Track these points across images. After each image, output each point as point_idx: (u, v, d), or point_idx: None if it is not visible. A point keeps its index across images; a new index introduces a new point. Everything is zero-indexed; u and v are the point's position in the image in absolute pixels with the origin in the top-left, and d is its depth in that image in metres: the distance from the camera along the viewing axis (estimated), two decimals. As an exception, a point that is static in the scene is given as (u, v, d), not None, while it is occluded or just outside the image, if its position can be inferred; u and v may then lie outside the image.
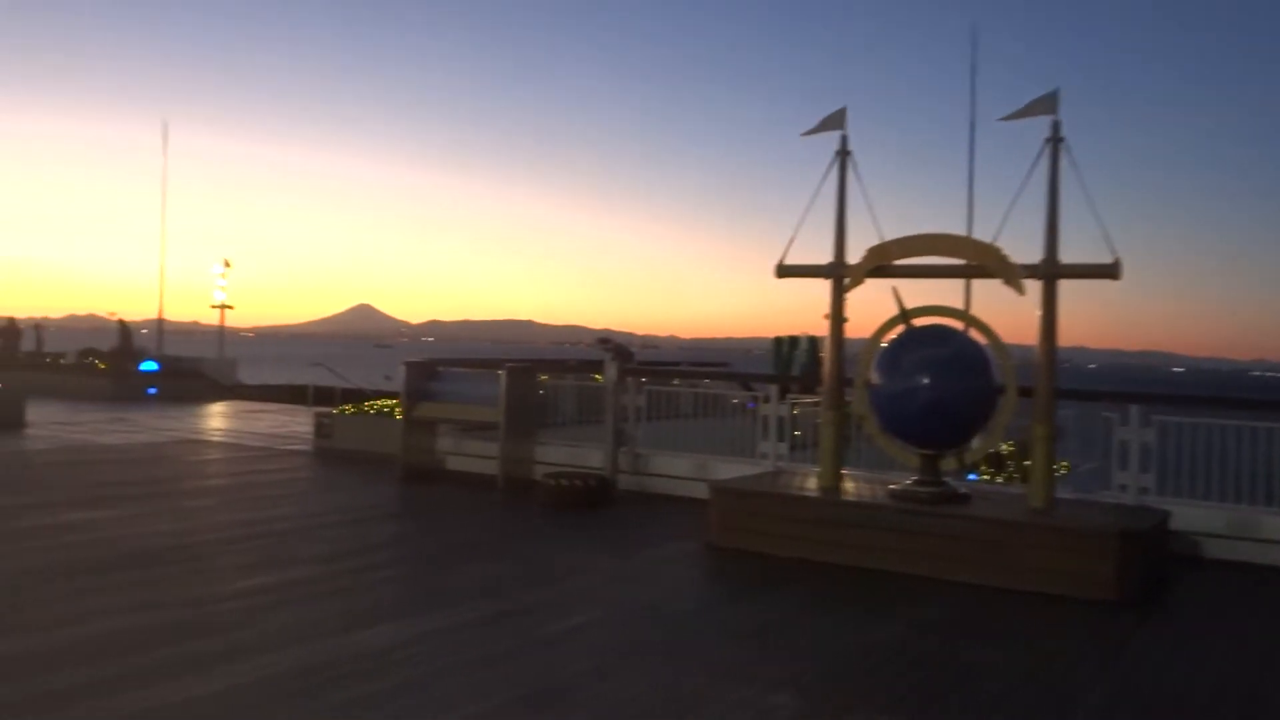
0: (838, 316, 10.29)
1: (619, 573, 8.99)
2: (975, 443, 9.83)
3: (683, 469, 13.04)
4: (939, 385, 9.33)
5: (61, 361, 31.43)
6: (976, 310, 10.44)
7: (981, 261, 9.53)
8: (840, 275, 10.16)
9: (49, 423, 19.42)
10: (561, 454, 13.96)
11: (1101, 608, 8.06)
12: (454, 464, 14.83)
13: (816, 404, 13.45)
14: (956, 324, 10.00)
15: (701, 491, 11.75)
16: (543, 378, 15.12)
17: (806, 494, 9.93)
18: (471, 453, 14.67)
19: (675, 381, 15.19)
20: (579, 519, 11.46)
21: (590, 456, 13.55)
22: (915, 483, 9.67)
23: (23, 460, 14.97)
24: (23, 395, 19.91)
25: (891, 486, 9.85)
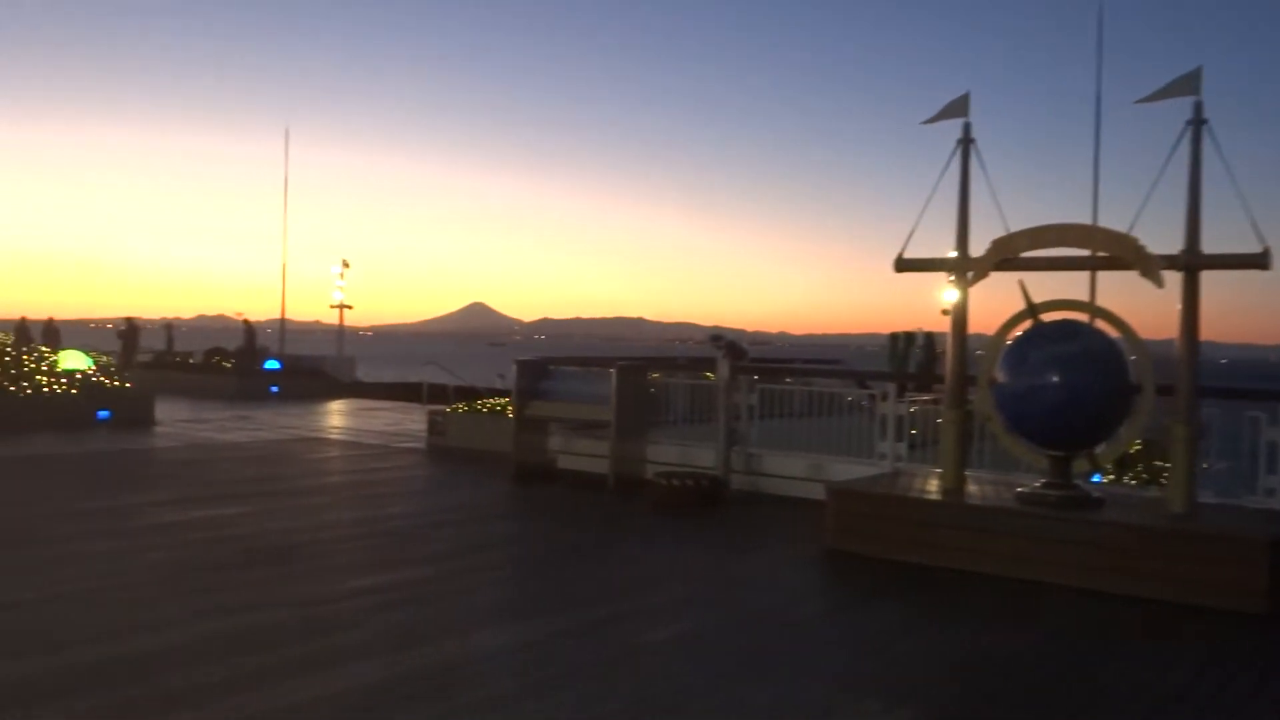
0: (960, 312, 9.87)
1: (733, 577, 8.76)
2: (1106, 444, 9.32)
3: (797, 469, 12.73)
4: (1070, 383, 8.85)
5: (190, 361, 32.59)
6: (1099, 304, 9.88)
7: (1116, 253, 9.00)
8: (964, 269, 9.73)
9: (176, 420, 20.07)
10: (673, 453, 13.78)
11: (1250, 621, 7.52)
12: (565, 463, 14.78)
13: (933, 402, 13.03)
14: (1085, 318, 9.52)
15: (817, 492, 11.45)
16: (653, 376, 14.97)
17: (928, 496, 9.53)
18: (582, 451, 14.60)
19: (787, 379, 14.88)
20: (691, 520, 11.26)
21: (702, 456, 13.34)
22: (1044, 485, 9.21)
23: (152, 457, 15.44)
24: (152, 394, 20.64)
25: (1019, 489, 9.40)
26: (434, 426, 17.11)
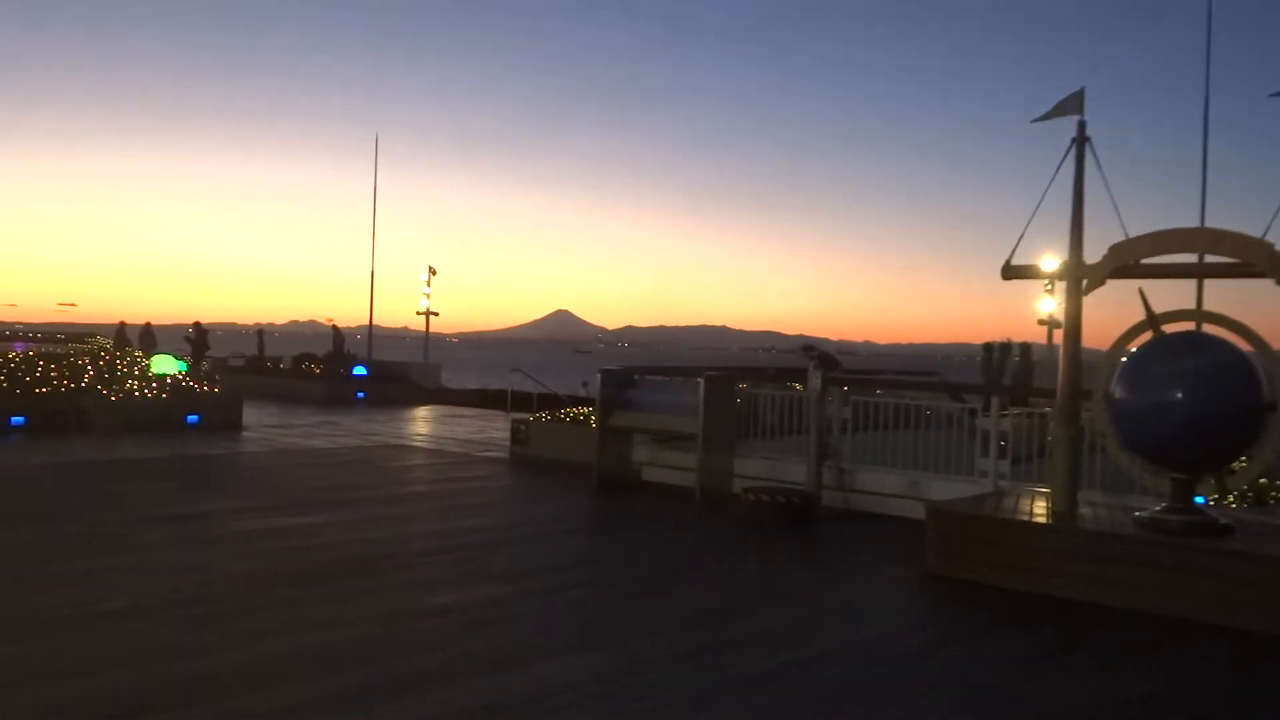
0: (1074, 321, 9.26)
1: (829, 602, 8.28)
2: (1237, 466, 8.65)
3: (892, 486, 12.19)
4: (1198, 399, 8.18)
5: (281, 366, 33.03)
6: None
7: (1248, 259, 8.34)
8: (1078, 276, 9.12)
9: (263, 425, 20.19)
10: (761, 467, 13.33)
11: (1407, 666, 6.82)
12: (650, 475, 14.43)
13: (1030, 415, 12.37)
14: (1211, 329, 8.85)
15: (913, 511, 10.95)
16: (741, 386, 14.53)
17: (1038, 520, 8.94)
18: (668, 464, 14.23)
19: (877, 391, 14.29)
20: (781, 538, 10.80)
21: (791, 470, 12.86)
22: (1164, 510, 8.56)
23: (237, 463, 15.47)
24: (240, 398, 20.82)
25: (1136, 514, 8.77)
26: (516, 435, 16.89)
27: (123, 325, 33.72)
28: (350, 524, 10.58)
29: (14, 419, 17.43)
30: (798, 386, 14.17)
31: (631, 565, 9.57)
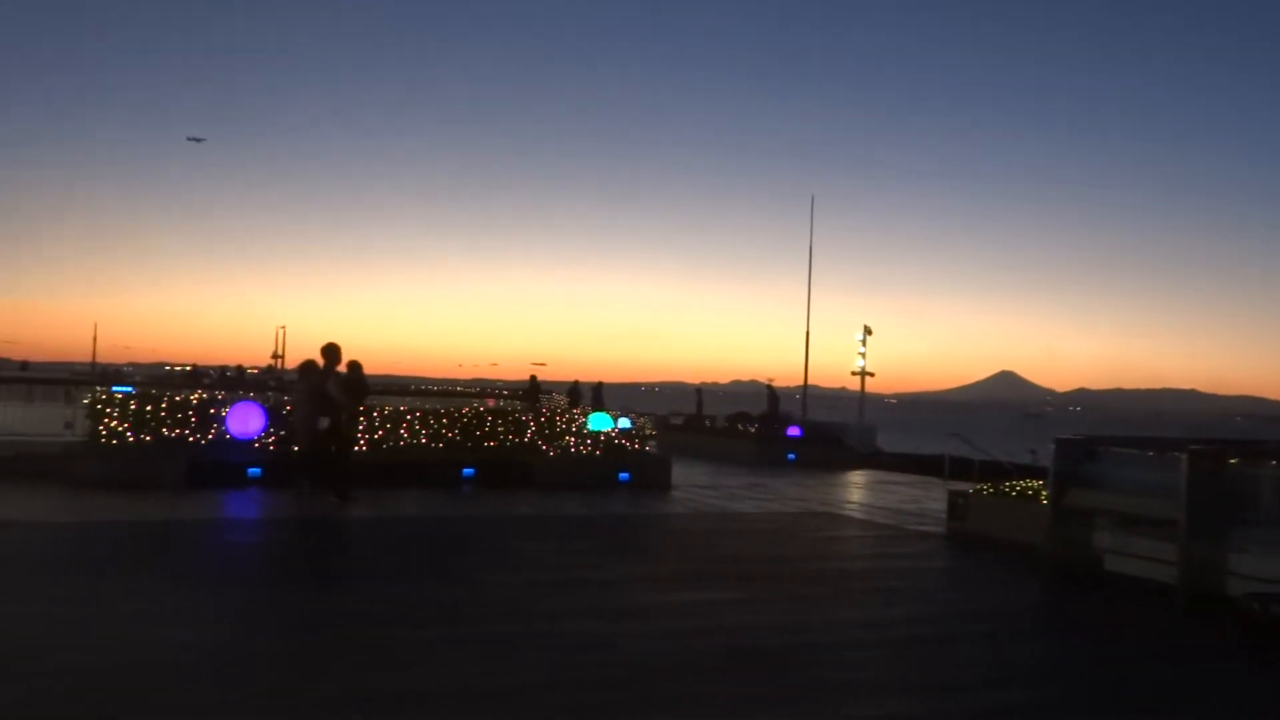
0: None
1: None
2: None
3: None
4: None
5: (719, 425, 33.39)
6: None
7: None
8: None
9: (691, 485, 19.93)
10: (1267, 566, 10.67)
11: None
12: (1113, 564, 12.11)
13: None
14: None
15: None
16: (1232, 462, 11.88)
17: None
18: (1138, 553, 11.86)
19: None
20: (1302, 664, 8.34)
21: (1311, 573, 10.13)
22: None
23: (657, 525, 15.12)
24: (670, 457, 20.79)
25: None
26: (954, 509, 15.16)
27: (576, 384, 35.84)
28: (762, 604, 9.59)
29: (465, 470, 18.41)
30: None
31: (1105, 688, 7.59)
